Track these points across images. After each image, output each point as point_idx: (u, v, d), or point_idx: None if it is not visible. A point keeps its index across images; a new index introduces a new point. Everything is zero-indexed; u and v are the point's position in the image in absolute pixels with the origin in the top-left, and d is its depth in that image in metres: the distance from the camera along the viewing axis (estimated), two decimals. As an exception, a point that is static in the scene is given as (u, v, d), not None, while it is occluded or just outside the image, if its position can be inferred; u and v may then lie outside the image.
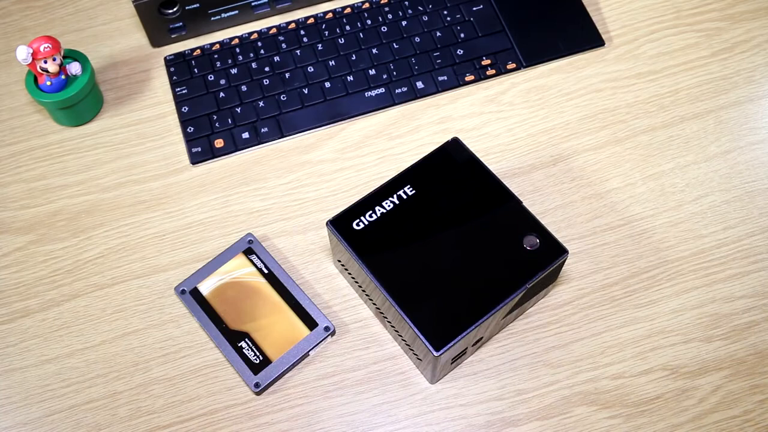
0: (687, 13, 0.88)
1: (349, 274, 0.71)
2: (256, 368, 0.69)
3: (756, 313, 0.72)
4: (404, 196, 0.68)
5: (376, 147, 0.81)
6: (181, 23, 0.86)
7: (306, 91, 0.83)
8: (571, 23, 0.87)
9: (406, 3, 0.88)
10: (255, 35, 0.87)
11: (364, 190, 0.79)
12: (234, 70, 0.85)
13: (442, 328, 0.62)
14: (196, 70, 0.85)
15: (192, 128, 0.82)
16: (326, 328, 0.71)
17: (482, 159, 0.80)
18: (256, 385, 0.68)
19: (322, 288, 0.74)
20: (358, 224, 0.67)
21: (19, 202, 0.79)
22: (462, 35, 0.86)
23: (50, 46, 0.75)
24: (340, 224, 0.67)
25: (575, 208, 0.77)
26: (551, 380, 0.69)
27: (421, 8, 0.88)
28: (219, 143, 0.81)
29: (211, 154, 0.81)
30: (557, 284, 0.73)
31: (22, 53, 0.74)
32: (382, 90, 0.84)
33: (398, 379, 0.70)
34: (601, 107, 0.83)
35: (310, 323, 0.71)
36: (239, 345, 0.70)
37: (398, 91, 0.84)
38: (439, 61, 0.85)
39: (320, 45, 0.86)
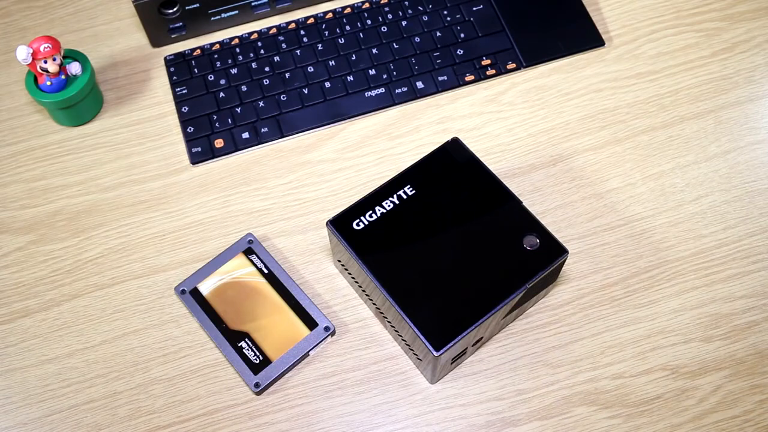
0: (687, 13, 0.88)
1: (349, 274, 0.71)
2: (256, 368, 0.69)
3: (756, 313, 0.72)
4: (404, 196, 0.68)
5: (376, 147, 0.81)
6: (181, 23, 0.86)
7: (306, 91, 0.83)
8: (571, 23, 0.87)
9: (406, 3, 0.88)
10: (255, 35, 0.87)
11: (364, 190, 0.79)
12: (234, 70, 0.85)
13: (442, 328, 0.62)
14: (196, 70, 0.85)
15: (192, 128, 0.82)
16: (326, 328, 0.71)
17: (482, 159, 0.80)
18: (256, 385, 0.68)
19: (322, 288, 0.74)
20: (358, 224, 0.67)
21: (19, 202, 0.79)
22: (462, 35, 0.86)
23: (50, 46, 0.75)
24: (340, 224, 0.67)
25: (575, 208, 0.77)
26: (551, 380, 0.69)
27: (421, 8, 0.88)
28: (219, 143, 0.81)
29: (211, 154, 0.81)
30: (557, 284, 0.73)
31: (22, 53, 0.74)
32: (382, 90, 0.84)
33: (398, 379, 0.70)
34: (601, 107, 0.83)
35: (310, 323, 0.71)
36: (239, 345, 0.70)
37: (398, 91, 0.84)
38: (439, 61, 0.85)
39: (320, 45, 0.86)
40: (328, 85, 0.84)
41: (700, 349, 0.70)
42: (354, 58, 0.85)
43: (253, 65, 0.85)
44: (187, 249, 0.76)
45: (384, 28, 0.87)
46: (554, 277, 0.68)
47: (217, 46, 0.86)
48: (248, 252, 0.74)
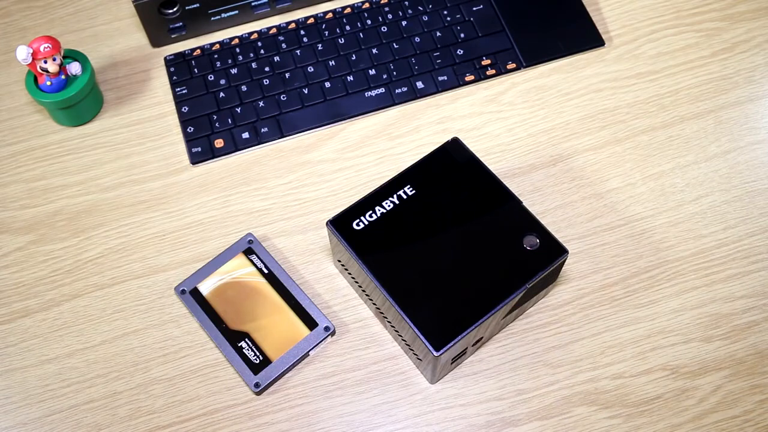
0: (687, 13, 0.88)
1: (349, 274, 0.71)
2: (256, 368, 0.69)
3: (756, 313, 0.72)
4: (404, 196, 0.68)
5: (376, 147, 0.81)
6: (181, 23, 0.86)
7: (306, 91, 0.83)
8: (571, 23, 0.87)
9: (406, 3, 0.88)
10: (255, 35, 0.87)
11: (364, 190, 0.79)
12: (234, 70, 0.85)
13: (442, 328, 0.62)
14: (196, 70, 0.85)
15: (192, 128, 0.82)
16: (326, 328, 0.71)
17: (482, 159, 0.80)
18: (256, 385, 0.68)
19: (322, 288, 0.74)
20: (358, 224, 0.67)
21: (19, 202, 0.79)
22: (462, 35, 0.86)
23: (50, 46, 0.75)
24: (340, 224, 0.67)
25: (575, 208, 0.77)
26: (551, 380, 0.69)
27: (421, 8, 0.88)
28: (219, 143, 0.81)
29: (211, 154, 0.81)
30: (557, 284, 0.73)
31: (22, 53, 0.74)
32: (382, 90, 0.84)
33: (398, 379, 0.70)
34: (601, 107, 0.83)
35: (310, 323, 0.71)
36: (239, 345, 0.70)
37: (398, 91, 0.84)
38: (439, 61, 0.85)
39: (320, 45, 0.86)
40: (328, 85, 0.84)
41: (700, 349, 0.70)
42: (354, 58, 0.85)
43: (253, 65, 0.85)
44: (187, 249, 0.76)
45: (384, 28, 0.87)
46: (554, 277, 0.68)
47: (217, 46, 0.86)
48: (248, 252, 0.74)
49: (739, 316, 0.72)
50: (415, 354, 0.67)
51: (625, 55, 0.86)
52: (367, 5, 0.88)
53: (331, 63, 0.85)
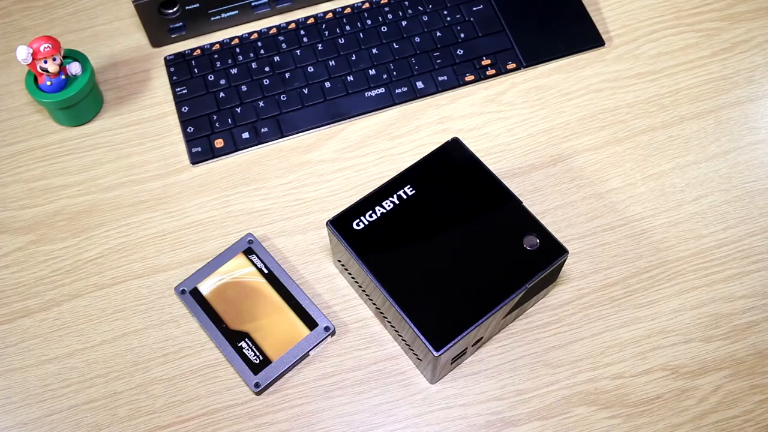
0: (687, 13, 0.88)
1: (349, 274, 0.71)
2: (256, 368, 0.69)
3: (756, 313, 0.72)
4: (404, 196, 0.68)
5: (376, 147, 0.81)
6: (181, 23, 0.86)
7: (306, 91, 0.83)
8: (571, 23, 0.87)
9: (406, 3, 0.88)
10: (255, 35, 0.87)
11: (364, 190, 0.79)
12: (234, 70, 0.85)
13: (442, 328, 0.62)
14: (196, 70, 0.85)
15: (192, 128, 0.82)
16: (326, 328, 0.71)
17: (482, 159, 0.80)
18: (256, 385, 0.68)
19: (322, 288, 0.74)
20: (358, 224, 0.67)
21: (19, 202, 0.79)
22: (462, 35, 0.86)
23: (50, 46, 0.75)
24: (340, 224, 0.67)
25: (575, 208, 0.77)
26: (551, 380, 0.69)
27: (421, 8, 0.88)
28: (219, 143, 0.81)
29: (211, 154, 0.81)
30: (557, 284, 0.73)
31: (22, 53, 0.74)
32: (382, 90, 0.84)
33: (398, 379, 0.70)
34: (601, 107, 0.83)
35: (310, 323, 0.71)
36: (239, 345, 0.70)
37: (398, 91, 0.84)
38: (439, 61, 0.85)
39: (320, 45, 0.86)
40: (328, 85, 0.84)
41: (700, 349, 0.70)
42: (354, 58, 0.85)
43: (253, 65, 0.85)
44: (187, 249, 0.76)
45: (384, 28, 0.87)
46: (554, 277, 0.68)
47: (217, 46, 0.86)
48: (248, 252, 0.74)
49: (739, 316, 0.72)
50: (415, 354, 0.67)
51: (625, 55, 0.86)
52: (367, 5, 0.88)
53: (331, 63, 0.85)
